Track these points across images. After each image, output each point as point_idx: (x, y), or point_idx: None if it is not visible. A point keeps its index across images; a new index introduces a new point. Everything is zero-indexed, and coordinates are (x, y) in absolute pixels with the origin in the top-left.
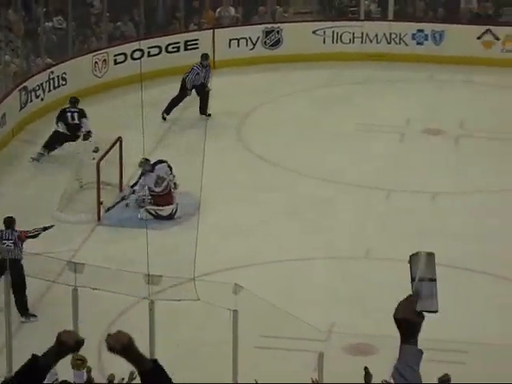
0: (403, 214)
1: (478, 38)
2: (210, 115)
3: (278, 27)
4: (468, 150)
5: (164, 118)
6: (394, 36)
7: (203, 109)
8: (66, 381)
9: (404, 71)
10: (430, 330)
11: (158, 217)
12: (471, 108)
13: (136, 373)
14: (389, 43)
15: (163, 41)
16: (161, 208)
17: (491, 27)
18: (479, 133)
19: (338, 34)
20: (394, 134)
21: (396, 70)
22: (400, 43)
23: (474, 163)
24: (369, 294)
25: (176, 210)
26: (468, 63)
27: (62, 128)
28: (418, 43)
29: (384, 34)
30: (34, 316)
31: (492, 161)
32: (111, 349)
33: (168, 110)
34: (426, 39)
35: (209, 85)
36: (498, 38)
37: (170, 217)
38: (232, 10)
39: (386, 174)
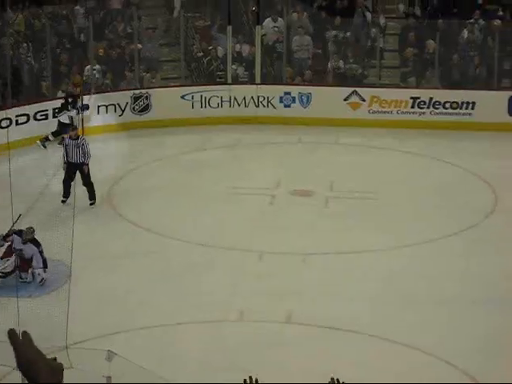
0: (275, 275)
1: (345, 99)
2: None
3: (147, 92)
4: (337, 210)
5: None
6: (261, 99)
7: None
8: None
9: (273, 134)
10: None
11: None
12: (339, 169)
13: None
14: (257, 106)
15: (31, 109)
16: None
17: (357, 88)
18: (348, 193)
19: (206, 98)
20: (265, 196)
21: (265, 133)
22: (268, 106)
23: (343, 223)
24: (244, 359)
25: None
26: (335, 124)
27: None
28: (286, 106)
29: (252, 98)
30: None
31: (361, 220)
32: None
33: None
34: (294, 101)
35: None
36: (364, 99)
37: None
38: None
39: (258, 235)
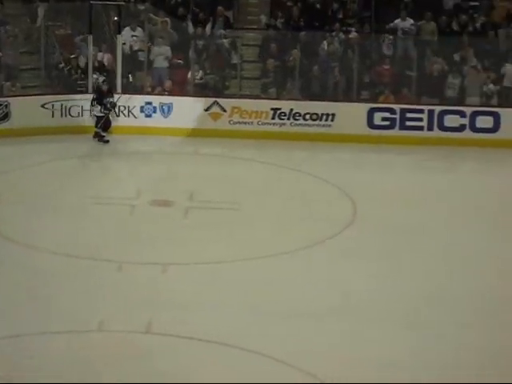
0: (135, 285)
1: (206, 109)
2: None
3: (6, 101)
4: (197, 221)
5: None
6: (122, 109)
7: None
8: None
9: (133, 144)
10: None
11: None
12: (200, 179)
13: None
14: (118, 116)
15: None
16: None
17: (218, 99)
18: (208, 204)
19: (66, 107)
20: (125, 206)
21: (125, 143)
22: (129, 116)
23: (203, 234)
24: (103, 370)
25: None
26: (196, 135)
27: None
28: (147, 116)
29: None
30: None
31: (221, 231)
32: None
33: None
34: (155, 111)
35: None
36: (224, 110)
37: None
38: None
39: (117, 245)
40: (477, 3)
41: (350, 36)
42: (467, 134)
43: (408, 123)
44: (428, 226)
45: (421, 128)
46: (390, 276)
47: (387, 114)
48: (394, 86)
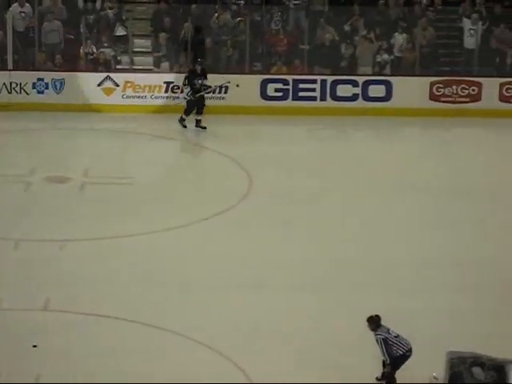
0: (32, 263)
1: (98, 84)
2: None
3: None
4: (94, 196)
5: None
6: (14, 85)
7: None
8: None
9: (26, 121)
10: None
11: None
12: (95, 155)
13: None
14: (10, 93)
15: None
16: None
17: (110, 74)
18: (104, 179)
19: None
20: (19, 183)
21: (19, 120)
22: (21, 92)
23: (100, 209)
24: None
25: None
26: (90, 110)
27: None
28: (39, 92)
29: (4, 84)
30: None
31: (118, 205)
32: None
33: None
34: (47, 88)
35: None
36: (117, 85)
37: None
38: None
39: (14, 223)
40: None
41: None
42: (360, 103)
43: (301, 94)
44: (323, 194)
45: (314, 98)
46: (286, 244)
47: (280, 85)
48: (286, 57)
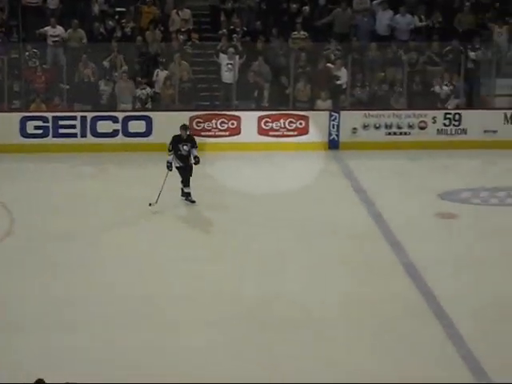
0: None
1: None
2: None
3: None
4: None
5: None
6: None
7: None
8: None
9: None
10: None
11: None
12: None
13: None
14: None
15: None
16: None
17: None
18: None
19: None
20: None
21: None
22: None
23: None
24: None
25: None
26: None
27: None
28: None
29: None
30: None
31: None
32: None
33: None
34: None
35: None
36: None
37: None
38: None
39: None
40: (123, 9)
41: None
42: (120, 138)
43: (61, 130)
44: (78, 231)
45: (74, 135)
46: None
47: (40, 123)
48: (45, 94)
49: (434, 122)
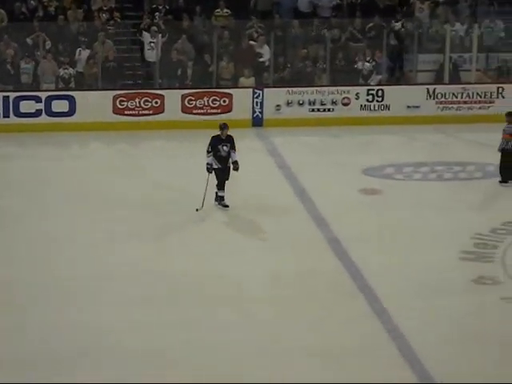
0: None
1: None
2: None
3: None
4: None
5: None
6: None
7: None
8: None
9: None
10: None
11: None
12: None
13: None
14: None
15: None
16: None
17: None
18: None
19: None
20: None
21: None
22: None
23: None
24: None
25: None
26: None
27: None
28: None
29: None
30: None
31: None
32: None
33: None
34: None
35: None
36: None
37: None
38: None
39: None
40: None
41: None
42: (44, 118)
43: None
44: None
45: None
46: None
47: None
48: None
49: (357, 99)
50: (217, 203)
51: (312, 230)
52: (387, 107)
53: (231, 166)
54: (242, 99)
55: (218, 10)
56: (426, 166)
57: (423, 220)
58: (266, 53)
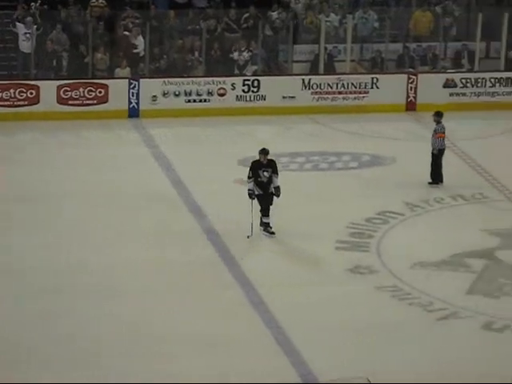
0: None
1: None
2: None
3: None
4: None
5: None
6: None
7: None
8: None
9: None
10: None
11: None
12: None
13: None
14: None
15: None
16: None
17: None
18: None
19: None
20: None
21: None
22: None
23: None
24: None
25: None
26: None
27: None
28: None
29: None
30: None
31: None
32: None
33: None
34: None
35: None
36: None
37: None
38: None
39: None
40: None
41: None
42: None
43: None
44: None
45: None
46: None
47: None
48: None
49: (233, 89)
50: (262, 229)
51: (188, 220)
52: (263, 97)
53: (273, 191)
54: (117, 90)
55: (94, 1)
56: (302, 156)
57: (307, 209)
58: (140, 44)
